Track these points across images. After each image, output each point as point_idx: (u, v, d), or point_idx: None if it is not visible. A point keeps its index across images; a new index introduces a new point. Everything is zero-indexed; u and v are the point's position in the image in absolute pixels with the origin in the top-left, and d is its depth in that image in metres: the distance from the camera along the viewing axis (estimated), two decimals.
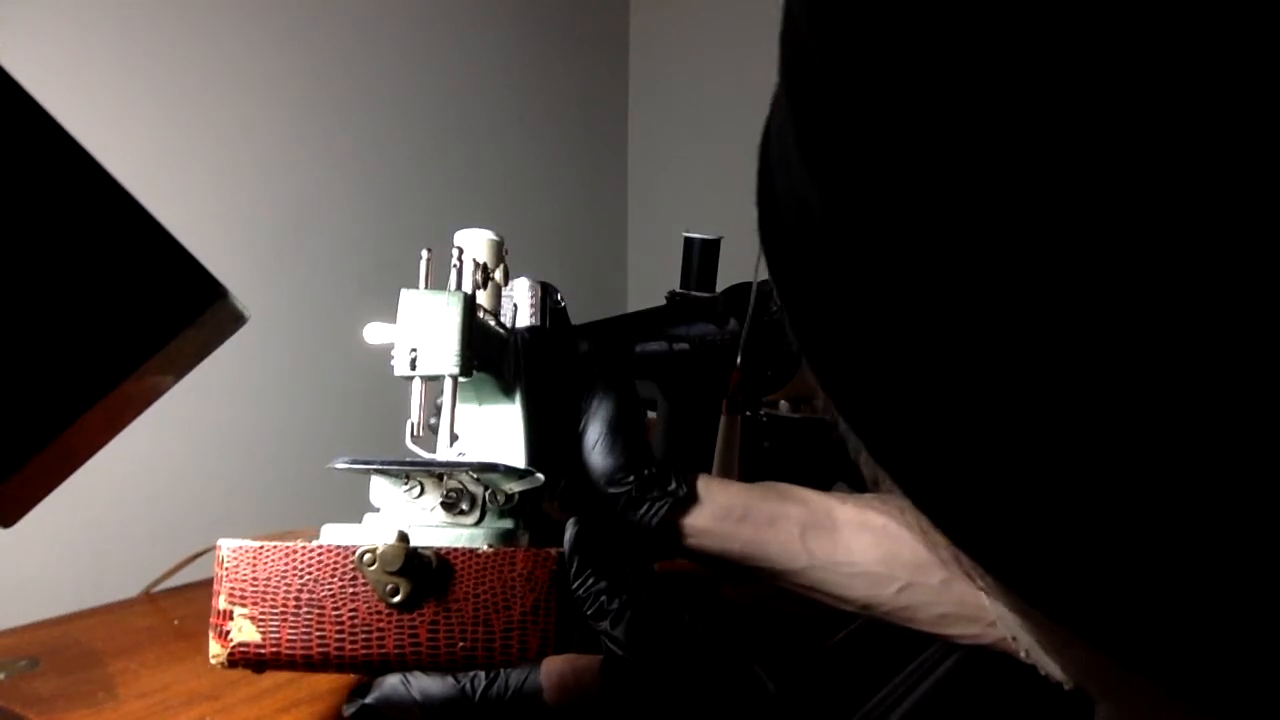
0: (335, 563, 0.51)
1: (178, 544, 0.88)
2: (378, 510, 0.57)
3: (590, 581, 0.49)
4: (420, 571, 0.50)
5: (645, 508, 0.60)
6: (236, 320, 0.37)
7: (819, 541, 0.60)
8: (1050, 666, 0.55)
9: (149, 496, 0.96)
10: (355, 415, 1.15)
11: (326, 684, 0.65)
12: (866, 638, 0.75)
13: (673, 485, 0.60)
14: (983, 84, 0.16)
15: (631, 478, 0.60)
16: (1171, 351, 0.15)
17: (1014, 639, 0.56)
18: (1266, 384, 0.15)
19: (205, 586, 0.85)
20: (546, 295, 0.75)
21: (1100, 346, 0.16)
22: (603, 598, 0.49)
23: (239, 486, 1.04)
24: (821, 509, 0.61)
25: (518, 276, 0.75)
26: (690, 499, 0.60)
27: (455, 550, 0.51)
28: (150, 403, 0.36)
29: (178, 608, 0.79)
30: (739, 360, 0.93)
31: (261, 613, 0.51)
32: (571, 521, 0.51)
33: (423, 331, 0.55)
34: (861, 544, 0.60)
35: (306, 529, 0.91)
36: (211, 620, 0.51)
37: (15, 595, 0.83)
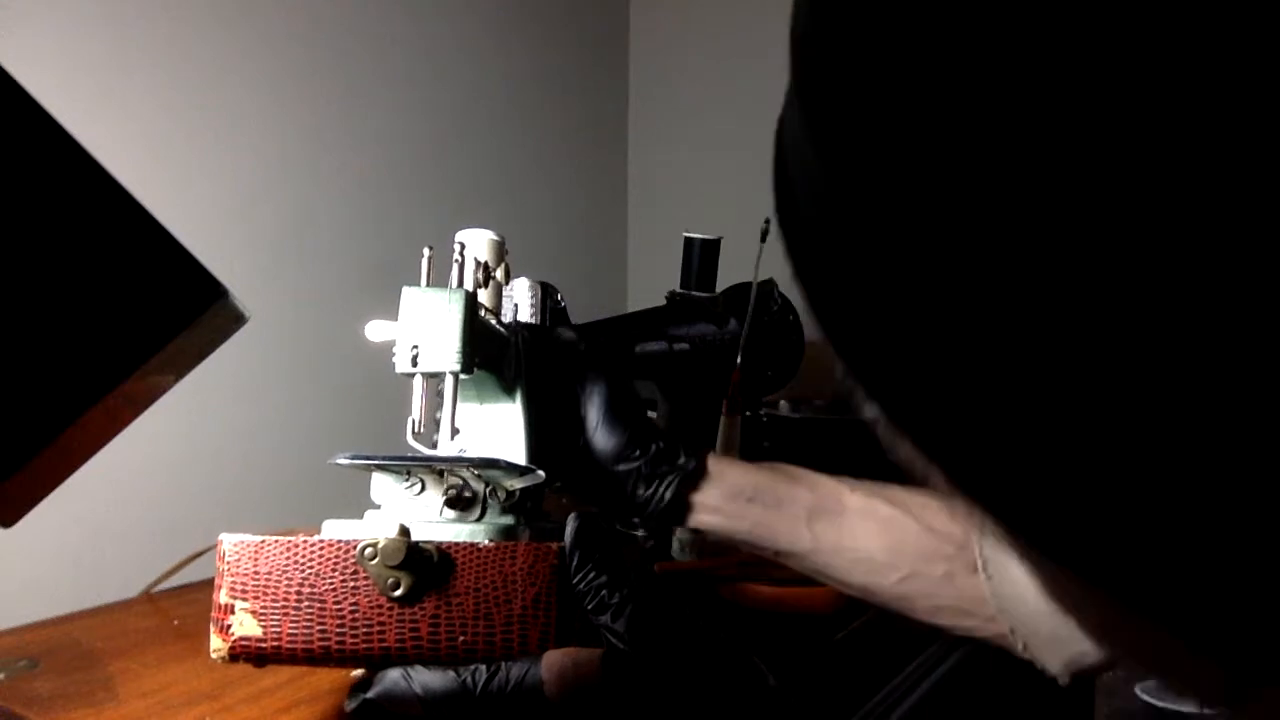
0: (337, 557, 0.51)
1: (178, 544, 0.88)
2: (379, 507, 0.57)
3: (591, 576, 0.50)
4: (421, 566, 0.50)
5: (656, 484, 0.59)
6: (236, 320, 0.37)
7: (825, 526, 0.60)
8: (1048, 660, 0.55)
9: (149, 496, 0.96)
10: (356, 415, 1.15)
11: (328, 683, 0.65)
12: (867, 637, 0.75)
13: (682, 459, 0.60)
14: (979, 52, 0.17)
15: (638, 452, 0.60)
16: (1186, 337, 0.16)
17: (1012, 632, 0.56)
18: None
19: (205, 587, 0.85)
20: (546, 295, 0.75)
21: (1115, 304, 0.16)
22: (603, 592, 0.49)
23: (239, 486, 1.04)
24: (830, 494, 0.61)
25: (518, 276, 0.75)
26: (699, 473, 0.60)
27: (456, 545, 0.51)
28: (150, 403, 0.36)
29: (178, 608, 0.79)
30: (739, 360, 0.93)
31: (263, 607, 0.51)
32: (572, 516, 0.51)
33: (424, 328, 0.55)
34: (867, 531, 0.60)
35: (307, 528, 0.91)
36: (212, 614, 0.51)
37: (15, 595, 0.83)
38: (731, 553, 0.85)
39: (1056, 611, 0.52)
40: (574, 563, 0.50)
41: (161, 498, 0.97)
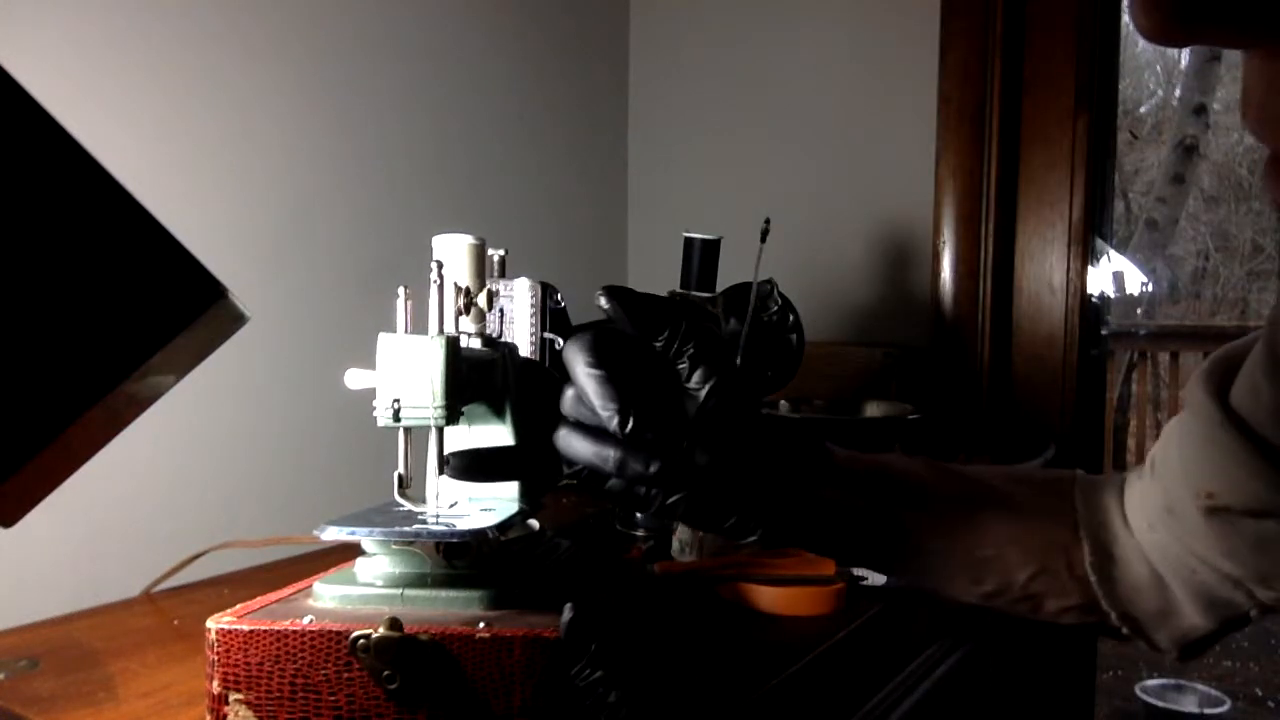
0: (329, 647, 0.50)
1: (178, 544, 0.88)
2: (370, 555, 0.56)
3: (587, 672, 0.48)
4: (415, 658, 0.49)
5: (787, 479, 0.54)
6: (236, 320, 0.36)
7: (956, 526, 0.57)
8: (1158, 637, 0.55)
9: (149, 496, 0.96)
10: (356, 415, 1.15)
11: None
12: (866, 638, 0.75)
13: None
14: None
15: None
16: None
17: (1122, 616, 0.55)
18: None
19: (205, 587, 0.85)
20: (546, 295, 0.75)
21: None
22: (600, 689, 0.48)
23: (239, 487, 1.05)
24: (953, 490, 0.58)
25: (517, 276, 0.75)
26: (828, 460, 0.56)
27: (451, 634, 0.50)
28: (150, 403, 0.36)
29: (178, 608, 0.79)
30: (739, 360, 0.93)
31: (257, 698, 0.50)
32: (567, 606, 0.49)
33: (404, 380, 0.53)
34: (993, 529, 0.57)
35: (305, 534, 0.91)
36: (207, 704, 0.50)
37: (15, 595, 0.83)
38: (731, 552, 0.85)
39: (1162, 588, 0.48)
40: (570, 656, 0.49)
41: (161, 498, 0.97)
